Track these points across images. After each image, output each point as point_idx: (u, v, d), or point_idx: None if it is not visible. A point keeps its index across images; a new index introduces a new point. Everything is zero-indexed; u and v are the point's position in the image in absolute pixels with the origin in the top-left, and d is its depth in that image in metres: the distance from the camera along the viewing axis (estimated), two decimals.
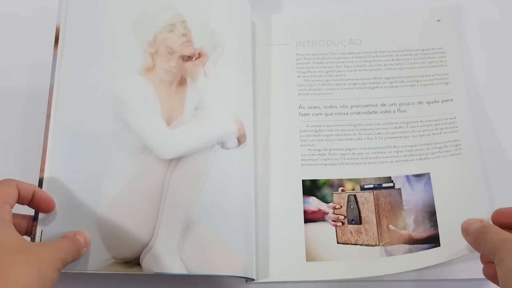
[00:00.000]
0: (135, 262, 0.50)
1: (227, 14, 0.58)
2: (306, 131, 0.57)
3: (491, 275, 0.46)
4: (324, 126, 0.58)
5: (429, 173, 0.55)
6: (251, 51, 0.59)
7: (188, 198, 0.51)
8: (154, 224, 0.50)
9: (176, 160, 0.52)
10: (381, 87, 0.59)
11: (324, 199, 0.55)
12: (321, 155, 0.57)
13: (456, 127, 0.57)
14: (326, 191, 0.55)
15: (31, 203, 0.46)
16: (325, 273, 0.52)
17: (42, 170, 0.51)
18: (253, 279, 0.51)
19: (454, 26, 0.62)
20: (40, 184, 0.50)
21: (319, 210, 0.54)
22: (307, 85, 0.59)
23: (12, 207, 0.43)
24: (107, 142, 0.52)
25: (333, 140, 0.57)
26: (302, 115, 0.58)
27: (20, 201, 0.45)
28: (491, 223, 0.46)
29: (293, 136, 0.57)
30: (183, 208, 0.51)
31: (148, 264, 0.49)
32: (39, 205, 0.47)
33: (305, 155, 0.56)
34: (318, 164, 0.56)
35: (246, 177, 0.53)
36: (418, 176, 0.55)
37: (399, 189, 0.55)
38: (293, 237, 0.53)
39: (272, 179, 0.56)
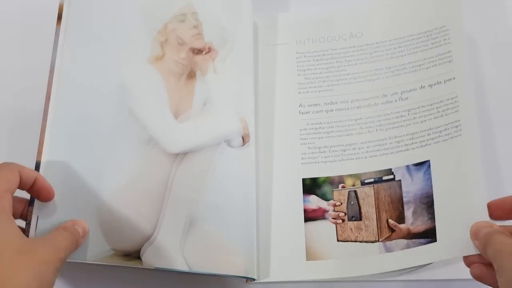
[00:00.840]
0: (135, 255, 0.49)
1: (234, 12, 0.58)
2: (306, 129, 0.57)
3: (478, 276, 0.44)
4: (324, 123, 0.57)
5: (429, 161, 0.52)
6: (253, 50, 0.59)
7: (193, 195, 0.50)
8: (156, 218, 0.49)
9: (182, 155, 0.51)
10: (383, 78, 0.57)
11: (324, 197, 0.54)
12: (321, 152, 0.56)
13: (458, 106, 0.52)
14: (326, 188, 0.54)
15: (31, 189, 0.45)
16: (325, 272, 0.51)
17: (39, 152, 0.48)
18: (254, 279, 0.51)
19: (459, 2, 0.57)
20: (37, 167, 0.47)
21: (319, 208, 0.54)
22: (307, 83, 0.59)
23: (12, 194, 0.42)
24: (110, 130, 0.51)
25: (333, 137, 0.56)
26: (302, 113, 0.58)
27: (21, 186, 0.44)
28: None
29: (293, 135, 0.57)
30: (188, 204, 0.50)
31: (149, 258, 0.48)
32: (39, 193, 0.45)
33: (305, 153, 0.56)
34: (319, 162, 0.55)
35: (248, 177, 0.53)
36: (418, 165, 0.52)
37: (399, 180, 0.52)
38: (293, 237, 0.53)
39: (272, 179, 0.55)
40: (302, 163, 0.56)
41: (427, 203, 0.50)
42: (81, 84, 0.51)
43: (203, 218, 0.50)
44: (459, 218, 0.47)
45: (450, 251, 0.47)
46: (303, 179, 0.55)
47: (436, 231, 0.49)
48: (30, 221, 0.46)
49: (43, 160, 0.48)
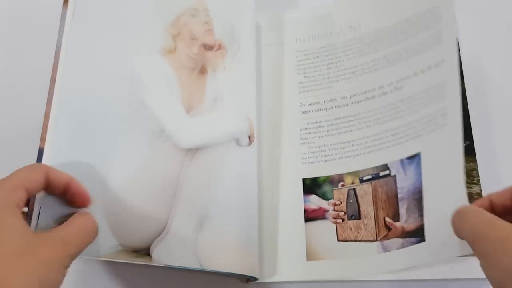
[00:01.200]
0: (144, 251, 0.47)
1: (239, 11, 0.58)
2: (307, 128, 0.56)
3: None
4: (324, 121, 0.56)
5: (419, 153, 0.49)
6: (255, 50, 0.58)
7: (205, 192, 0.50)
8: (167, 213, 0.48)
9: (193, 151, 0.50)
10: (379, 68, 0.55)
11: (324, 196, 0.53)
12: (321, 151, 0.55)
13: (445, 92, 0.48)
14: (326, 188, 0.53)
15: (65, 194, 0.42)
16: (325, 272, 0.50)
17: (43, 139, 0.45)
18: (256, 279, 0.50)
19: None
20: (40, 155, 0.44)
21: (320, 208, 0.53)
22: (307, 82, 0.58)
23: (30, 193, 0.39)
24: (120, 120, 0.49)
25: (333, 134, 0.55)
26: (302, 112, 0.57)
27: (50, 190, 0.41)
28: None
29: (293, 135, 0.56)
30: (201, 201, 0.49)
31: (159, 255, 0.47)
32: (73, 198, 0.42)
33: (306, 153, 0.55)
34: (319, 161, 0.54)
35: (252, 177, 0.53)
36: (410, 158, 0.49)
37: (394, 176, 0.50)
38: (294, 237, 0.53)
39: (275, 179, 0.55)
40: (302, 163, 0.55)
41: (418, 199, 0.48)
42: (89, 70, 0.49)
43: (214, 216, 0.49)
44: (444, 214, 0.44)
45: (437, 252, 0.45)
46: (303, 179, 0.54)
47: (424, 229, 0.46)
48: (32, 212, 0.42)
49: (47, 147, 0.45)
